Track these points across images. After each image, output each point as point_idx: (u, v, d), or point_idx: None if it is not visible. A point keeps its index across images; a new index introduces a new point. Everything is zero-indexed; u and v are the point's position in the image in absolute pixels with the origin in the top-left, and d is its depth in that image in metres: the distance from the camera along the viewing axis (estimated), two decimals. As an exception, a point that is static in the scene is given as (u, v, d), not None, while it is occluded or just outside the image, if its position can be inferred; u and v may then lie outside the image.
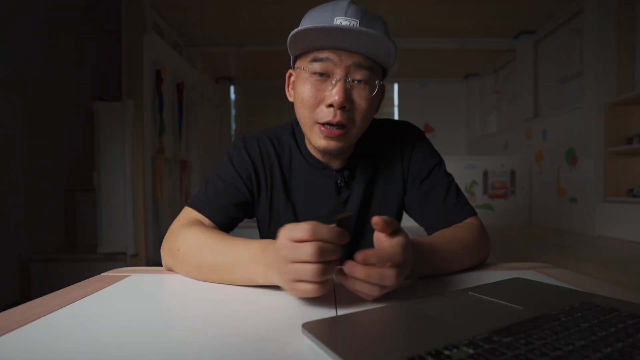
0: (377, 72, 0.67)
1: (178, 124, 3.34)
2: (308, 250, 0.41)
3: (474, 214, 0.76)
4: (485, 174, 3.23)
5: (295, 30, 0.61)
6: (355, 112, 0.66)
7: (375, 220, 0.46)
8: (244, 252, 0.54)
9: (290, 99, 0.74)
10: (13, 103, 2.38)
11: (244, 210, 0.76)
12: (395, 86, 4.89)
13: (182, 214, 0.73)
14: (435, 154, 0.81)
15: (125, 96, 2.58)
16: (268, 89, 4.86)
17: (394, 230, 0.48)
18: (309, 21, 0.65)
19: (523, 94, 3.45)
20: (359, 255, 0.43)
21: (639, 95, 2.22)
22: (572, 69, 2.92)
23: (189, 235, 0.63)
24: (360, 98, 0.65)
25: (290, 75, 0.74)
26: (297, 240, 0.42)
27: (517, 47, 3.50)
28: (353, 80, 0.64)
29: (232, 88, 4.92)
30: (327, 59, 0.63)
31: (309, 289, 0.42)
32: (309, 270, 0.41)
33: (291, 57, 0.71)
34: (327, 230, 0.42)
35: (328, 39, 0.61)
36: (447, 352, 0.29)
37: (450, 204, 0.75)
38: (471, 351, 0.29)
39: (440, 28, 3.29)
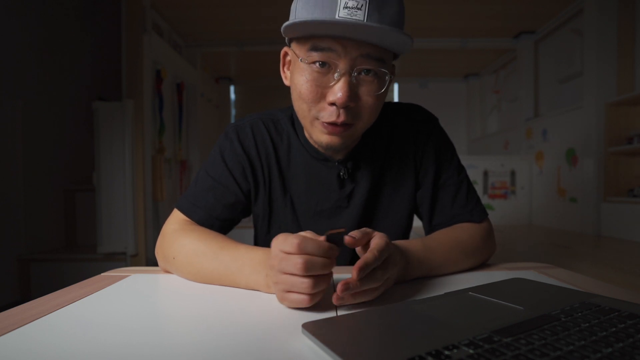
0: (389, 61, 0.57)
1: (178, 124, 3.34)
2: (296, 263, 0.41)
3: (483, 216, 0.70)
4: (485, 174, 3.23)
5: (290, 21, 0.52)
6: (361, 109, 0.57)
7: (346, 240, 0.46)
8: (246, 260, 0.53)
9: (286, 82, 0.64)
10: (13, 103, 2.37)
11: (237, 211, 0.70)
12: (396, 86, 4.89)
13: (172, 216, 0.69)
14: (449, 145, 0.74)
15: (125, 96, 2.57)
16: (268, 89, 4.86)
17: (368, 241, 0.48)
18: (304, 2, 0.54)
19: (523, 94, 3.44)
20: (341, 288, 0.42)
21: (639, 95, 2.22)
22: (572, 69, 2.91)
23: (185, 242, 0.60)
24: (367, 94, 0.56)
25: (286, 54, 0.64)
26: (286, 252, 0.43)
27: (517, 47, 3.50)
28: (359, 73, 0.55)
29: (232, 88, 4.92)
30: (329, 49, 0.54)
31: (299, 299, 0.43)
32: (298, 282, 0.42)
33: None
34: (314, 245, 0.42)
35: (329, 31, 0.52)
36: (447, 352, 0.29)
37: (458, 205, 0.70)
38: (471, 351, 0.29)
39: (440, 28, 3.29)
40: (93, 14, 3.18)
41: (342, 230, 0.44)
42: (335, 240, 0.44)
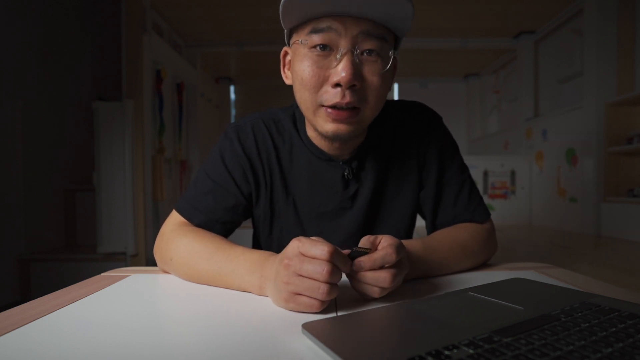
0: (390, 41, 0.57)
1: (178, 124, 3.34)
2: (321, 268, 0.41)
3: (486, 217, 0.70)
4: (485, 174, 3.23)
5: None
6: (367, 91, 0.56)
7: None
8: (241, 261, 0.53)
9: (287, 82, 0.63)
10: (13, 103, 2.37)
11: (238, 214, 0.68)
12: (395, 86, 4.89)
13: (171, 218, 0.68)
14: (452, 144, 0.73)
15: (125, 96, 2.57)
16: (268, 89, 4.86)
17: (376, 245, 0.48)
18: None
19: (523, 94, 3.45)
20: (355, 264, 0.44)
21: (639, 95, 2.22)
22: (572, 69, 2.91)
23: (181, 244, 0.60)
24: (371, 73, 0.55)
25: (286, 54, 0.63)
26: (309, 256, 0.42)
27: (517, 47, 3.50)
28: (362, 53, 0.54)
29: (232, 88, 4.92)
30: (329, 29, 0.53)
31: (312, 304, 0.42)
32: (315, 286, 0.41)
33: (285, 31, 0.60)
34: (342, 258, 0.43)
35: (328, 3, 0.51)
36: (447, 352, 0.29)
37: (460, 205, 0.69)
38: (471, 351, 0.29)
39: (440, 28, 3.29)
40: (93, 14, 3.18)
41: (368, 249, 0.45)
42: (356, 257, 0.45)
